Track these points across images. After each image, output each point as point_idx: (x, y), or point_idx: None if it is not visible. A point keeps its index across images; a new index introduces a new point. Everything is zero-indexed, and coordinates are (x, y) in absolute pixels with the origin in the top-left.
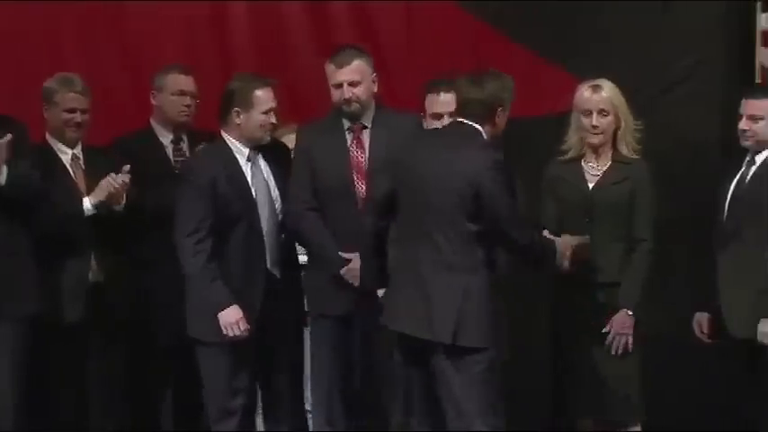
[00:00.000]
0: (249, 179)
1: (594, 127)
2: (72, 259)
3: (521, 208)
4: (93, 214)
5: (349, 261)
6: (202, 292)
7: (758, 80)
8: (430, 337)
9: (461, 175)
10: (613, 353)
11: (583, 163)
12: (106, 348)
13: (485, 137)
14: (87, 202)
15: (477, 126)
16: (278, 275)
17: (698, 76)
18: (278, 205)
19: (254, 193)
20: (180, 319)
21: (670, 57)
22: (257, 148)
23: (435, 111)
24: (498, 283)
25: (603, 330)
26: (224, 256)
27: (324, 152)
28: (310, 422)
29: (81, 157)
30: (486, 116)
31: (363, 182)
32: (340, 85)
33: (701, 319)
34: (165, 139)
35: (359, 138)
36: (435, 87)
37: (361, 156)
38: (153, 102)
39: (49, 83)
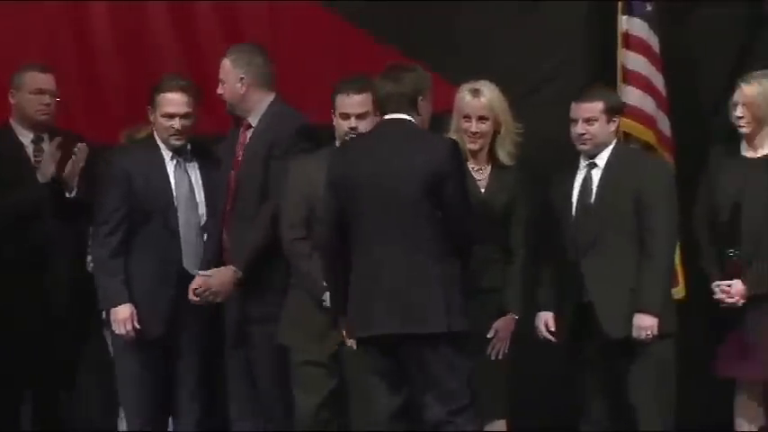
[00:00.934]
0: (172, 179)
1: (474, 134)
2: None
3: None
4: None
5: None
6: (100, 285)
7: (620, 81)
8: (421, 330)
9: (426, 165)
10: (494, 357)
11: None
12: None
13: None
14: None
15: (409, 118)
16: (198, 275)
17: (563, 77)
18: (201, 209)
19: (173, 193)
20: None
21: (536, 57)
22: (180, 150)
23: (344, 111)
24: None
25: (489, 335)
26: (135, 250)
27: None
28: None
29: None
30: (410, 108)
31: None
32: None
33: (548, 318)
34: (26, 138)
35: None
36: (345, 88)
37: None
38: (11, 101)
39: None
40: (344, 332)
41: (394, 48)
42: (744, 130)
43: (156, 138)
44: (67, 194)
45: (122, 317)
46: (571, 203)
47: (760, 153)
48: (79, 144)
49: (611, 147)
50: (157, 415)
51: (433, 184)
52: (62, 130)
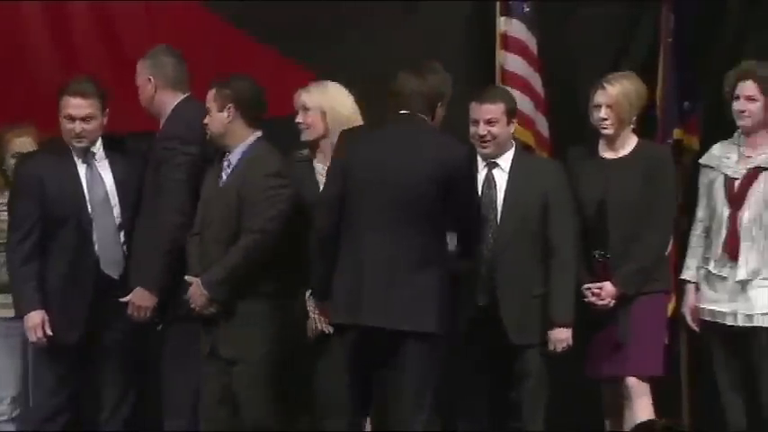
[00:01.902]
0: (84, 182)
1: (298, 123)
2: None
3: None
4: None
5: None
6: (14, 292)
7: (498, 82)
8: (410, 327)
9: (440, 166)
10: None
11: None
12: None
13: None
14: None
15: (425, 117)
16: (116, 277)
17: None
18: (116, 210)
19: (86, 196)
20: None
21: (417, 58)
22: (89, 152)
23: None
24: None
25: None
26: (50, 255)
27: None
28: None
29: None
30: (428, 109)
31: None
32: None
33: None
34: None
35: None
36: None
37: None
38: None
39: None
40: (320, 315)
41: (274, 48)
42: (607, 132)
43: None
44: None
45: (33, 323)
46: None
47: (621, 154)
48: None
49: (512, 149)
50: (65, 418)
51: (444, 186)
52: None
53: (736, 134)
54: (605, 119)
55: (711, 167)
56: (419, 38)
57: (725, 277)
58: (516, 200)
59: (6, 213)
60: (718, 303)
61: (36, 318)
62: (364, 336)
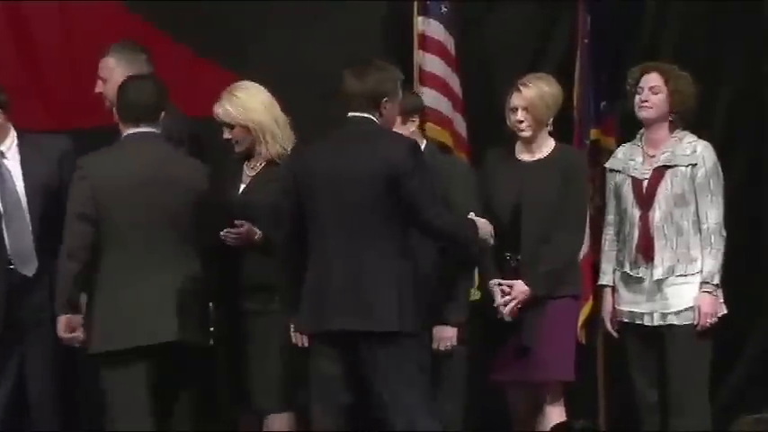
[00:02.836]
0: None
1: (227, 140)
2: None
3: None
4: None
5: None
6: None
7: (416, 82)
8: (372, 327)
9: (383, 165)
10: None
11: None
12: None
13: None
14: None
15: (371, 117)
16: (29, 275)
17: None
18: (24, 203)
19: None
20: None
21: (338, 58)
22: None
23: None
24: None
25: None
26: None
27: None
28: None
29: None
30: (372, 108)
31: None
32: None
33: None
34: None
35: None
36: None
37: None
38: None
39: None
40: (293, 328)
41: (189, 47)
42: (524, 134)
43: None
44: None
45: None
46: None
47: (537, 156)
48: None
49: (422, 148)
50: None
51: (391, 184)
52: None
53: (638, 135)
54: (521, 121)
55: (618, 171)
56: (337, 37)
57: (641, 278)
58: None
59: None
60: (636, 304)
61: None
62: (335, 342)
